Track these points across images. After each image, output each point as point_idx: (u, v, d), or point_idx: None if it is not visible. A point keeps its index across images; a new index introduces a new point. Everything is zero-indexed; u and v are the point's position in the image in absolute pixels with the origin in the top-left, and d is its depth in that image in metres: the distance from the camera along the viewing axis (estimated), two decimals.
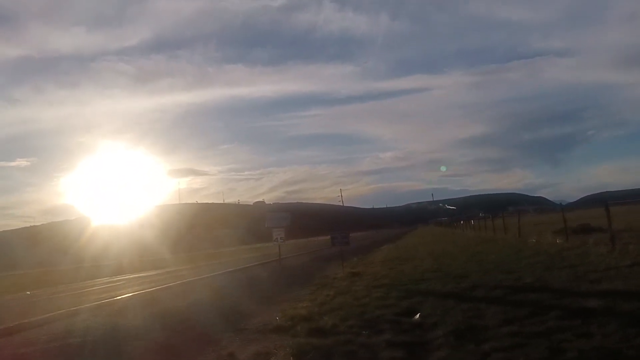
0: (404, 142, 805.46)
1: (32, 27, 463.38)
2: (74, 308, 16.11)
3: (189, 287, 19.94)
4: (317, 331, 9.25)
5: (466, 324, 8.31)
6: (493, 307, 9.46)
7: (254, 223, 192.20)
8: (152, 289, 20.47)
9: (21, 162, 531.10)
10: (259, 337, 9.75)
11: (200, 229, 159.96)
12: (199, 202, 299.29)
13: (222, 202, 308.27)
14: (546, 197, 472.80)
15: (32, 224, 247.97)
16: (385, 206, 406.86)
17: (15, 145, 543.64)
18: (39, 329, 13.16)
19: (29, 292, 28.38)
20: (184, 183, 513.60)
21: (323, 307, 12.01)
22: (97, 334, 11.63)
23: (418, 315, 9.79)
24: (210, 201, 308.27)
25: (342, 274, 20.67)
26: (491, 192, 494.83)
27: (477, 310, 9.46)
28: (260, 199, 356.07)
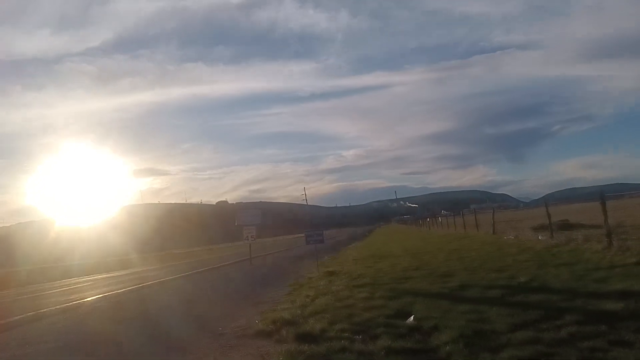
0: (367, 139, 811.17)
1: None
2: (41, 311, 15.05)
3: (159, 289, 18.93)
4: (305, 336, 8.52)
5: (472, 328, 7.58)
6: (495, 309, 8.75)
7: (217, 223, 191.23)
8: (121, 290, 19.35)
9: None
10: (240, 343, 9.05)
11: (165, 229, 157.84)
12: (161, 202, 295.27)
13: (184, 202, 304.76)
14: (509, 195, 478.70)
15: (2, 225, 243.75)
16: (348, 204, 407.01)
17: None
18: (7, 333, 12.31)
19: None
20: (146, 183, 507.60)
21: (306, 310, 11.29)
22: (69, 339, 10.79)
23: (412, 317, 9.13)
24: (172, 201, 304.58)
25: (317, 273, 20.03)
26: (453, 190, 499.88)
27: (478, 312, 8.77)
28: (223, 199, 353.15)
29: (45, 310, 14.86)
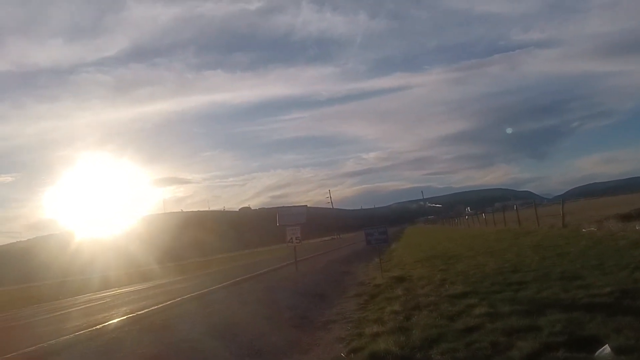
0: (387, 141, 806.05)
1: (10, 42, 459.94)
2: (59, 340, 11.63)
3: (192, 307, 15.42)
4: None
5: None
6: None
7: (241, 229, 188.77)
8: (148, 309, 15.85)
9: (5, 178, 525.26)
10: None
11: (188, 237, 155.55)
12: (184, 210, 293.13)
13: (207, 209, 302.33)
14: (533, 192, 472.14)
15: (18, 240, 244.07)
16: (373, 206, 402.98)
17: None
18: None
19: None
20: (169, 192, 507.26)
21: (411, 336, 7.99)
22: None
23: (607, 347, 5.83)
24: (195, 209, 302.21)
25: (381, 279, 16.75)
26: (476, 189, 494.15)
27: None
28: (246, 205, 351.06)
29: (56, 340, 11.47)
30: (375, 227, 18.19)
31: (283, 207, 25.25)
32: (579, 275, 11.04)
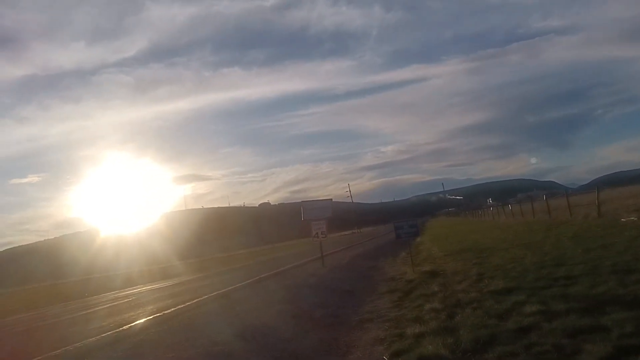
0: (405, 134, 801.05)
1: (34, 46, 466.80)
2: (84, 342, 11.07)
3: (219, 305, 14.80)
4: None
5: None
6: None
7: (261, 224, 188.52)
8: (173, 308, 15.24)
9: (32, 178, 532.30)
10: None
11: (209, 233, 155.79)
12: (204, 207, 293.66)
13: (227, 205, 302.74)
14: (556, 181, 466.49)
15: (45, 238, 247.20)
16: (393, 199, 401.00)
17: (26, 162, 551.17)
18: None
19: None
20: (189, 189, 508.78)
21: (460, 337, 7.33)
22: None
23: None
24: (216, 205, 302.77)
25: (412, 273, 16.10)
26: (498, 180, 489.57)
27: None
28: (265, 200, 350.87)
29: (82, 343, 10.90)
30: (405, 220, 17.68)
31: (307, 200, 24.59)
32: (633, 269, 10.27)
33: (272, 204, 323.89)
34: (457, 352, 6.63)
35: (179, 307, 14.94)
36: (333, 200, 26.17)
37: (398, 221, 17.79)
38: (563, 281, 10.33)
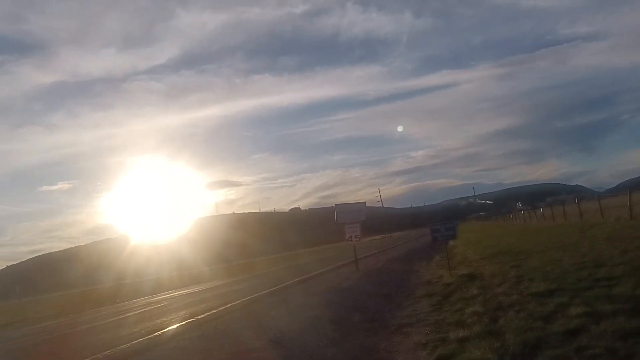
0: (435, 139, 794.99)
1: (64, 53, 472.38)
2: (115, 350, 10.79)
3: (253, 310, 14.63)
4: None
5: None
6: None
7: (292, 229, 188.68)
8: (207, 313, 15.21)
9: (63, 185, 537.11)
10: None
11: (239, 239, 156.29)
12: (235, 212, 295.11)
13: (258, 211, 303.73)
14: (583, 185, 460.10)
15: (76, 245, 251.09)
16: (423, 204, 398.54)
17: (56, 170, 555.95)
18: None
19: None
20: (221, 195, 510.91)
21: (504, 340, 7.14)
22: None
23: None
24: (246, 211, 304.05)
25: (449, 277, 15.88)
26: (527, 184, 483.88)
27: None
28: (296, 206, 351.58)
29: (113, 351, 10.75)
30: (442, 223, 17.48)
31: (341, 204, 24.36)
32: None
33: (302, 209, 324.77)
34: (505, 357, 6.43)
35: (212, 312, 14.87)
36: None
37: (435, 224, 17.57)
38: (605, 282, 10.05)
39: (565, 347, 6.35)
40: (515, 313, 8.80)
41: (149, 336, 11.96)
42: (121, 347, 10.95)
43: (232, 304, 16.32)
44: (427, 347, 8.08)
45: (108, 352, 10.41)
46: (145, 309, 22.82)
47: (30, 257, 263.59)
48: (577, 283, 10.53)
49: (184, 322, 13.69)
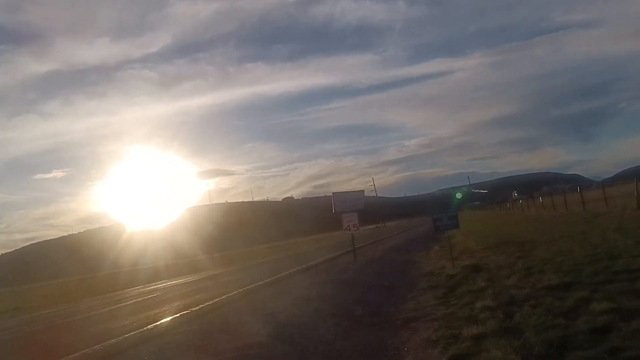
0: (429, 128, 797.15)
1: (59, 42, 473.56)
2: (104, 345, 10.29)
3: (249, 303, 14.10)
4: None
5: None
6: None
7: (285, 219, 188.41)
8: (202, 305, 14.61)
9: (57, 174, 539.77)
10: None
11: (233, 228, 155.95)
12: (228, 201, 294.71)
13: (251, 200, 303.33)
14: (581, 174, 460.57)
15: (70, 233, 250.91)
16: (417, 193, 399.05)
17: (51, 158, 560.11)
18: None
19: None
20: (213, 184, 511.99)
21: (525, 338, 6.56)
22: None
23: None
24: (239, 200, 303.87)
25: (453, 268, 15.33)
26: (522, 173, 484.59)
27: None
28: (289, 195, 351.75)
29: (102, 345, 10.13)
30: (444, 212, 16.96)
31: (339, 192, 23.74)
32: None
33: (295, 198, 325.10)
34: (530, 358, 5.86)
35: (207, 303, 14.24)
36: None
37: (437, 212, 17.07)
38: (625, 275, 9.52)
39: (597, 347, 5.79)
40: (530, 308, 8.24)
41: (142, 329, 11.32)
42: (113, 340, 10.29)
43: (228, 295, 15.69)
44: (438, 344, 7.51)
45: (97, 347, 9.78)
46: (140, 299, 22.22)
47: (25, 244, 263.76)
48: (594, 276, 9.97)
49: (178, 315, 13.06)
